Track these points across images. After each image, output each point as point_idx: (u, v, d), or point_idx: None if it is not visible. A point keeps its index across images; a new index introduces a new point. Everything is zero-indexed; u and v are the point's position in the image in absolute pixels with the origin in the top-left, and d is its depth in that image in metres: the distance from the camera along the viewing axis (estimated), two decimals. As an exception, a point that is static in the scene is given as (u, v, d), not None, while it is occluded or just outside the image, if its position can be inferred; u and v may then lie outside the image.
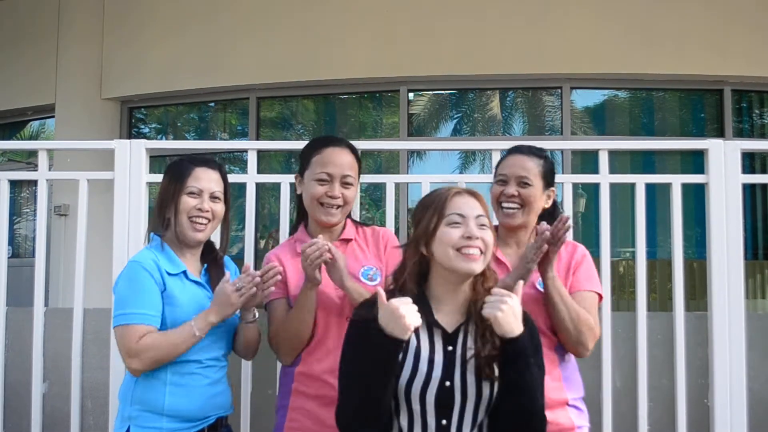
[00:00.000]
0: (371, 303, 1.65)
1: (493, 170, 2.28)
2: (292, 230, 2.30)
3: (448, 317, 1.69)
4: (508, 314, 1.58)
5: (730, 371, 2.57)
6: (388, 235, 2.20)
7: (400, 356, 1.62)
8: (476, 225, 1.66)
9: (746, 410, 2.56)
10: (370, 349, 1.58)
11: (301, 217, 2.24)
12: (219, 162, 2.15)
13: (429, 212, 1.69)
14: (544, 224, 2.00)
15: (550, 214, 2.16)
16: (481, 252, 1.66)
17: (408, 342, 1.63)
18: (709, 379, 2.61)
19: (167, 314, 1.96)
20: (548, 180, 2.17)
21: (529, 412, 1.60)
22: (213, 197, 2.07)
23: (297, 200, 2.24)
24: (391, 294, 1.64)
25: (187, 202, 2.04)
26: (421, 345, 1.66)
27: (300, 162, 2.21)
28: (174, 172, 2.08)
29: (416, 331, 1.65)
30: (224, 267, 2.14)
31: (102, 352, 2.66)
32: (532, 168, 2.13)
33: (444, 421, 1.61)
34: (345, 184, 2.11)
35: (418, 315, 1.57)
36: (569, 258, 2.14)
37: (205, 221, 2.05)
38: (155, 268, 1.97)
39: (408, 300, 1.58)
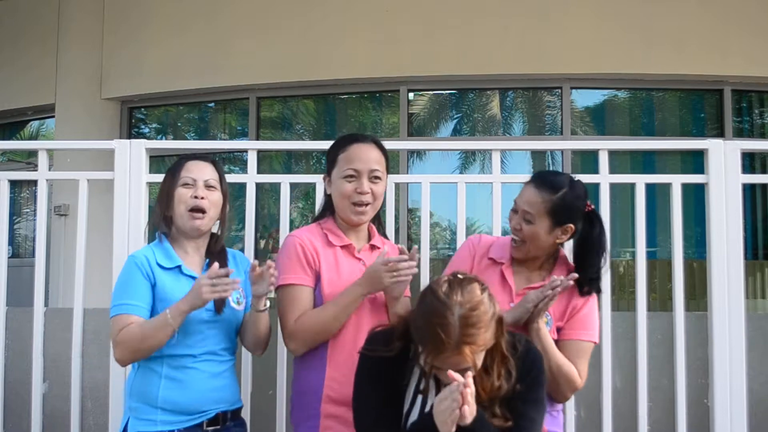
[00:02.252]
0: (385, 337, 1.71)
1: None
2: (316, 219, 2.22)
3: None
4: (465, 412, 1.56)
5: (730, 371, 2.57)
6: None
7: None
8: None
9: (746, 410, 2.56)
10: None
11: (327, 213, 2.19)
12: (213, 158, 2.17)
13: None
14: (555, 278, 1.94)
15: (583, 253, 2.08)
16: None
17: (419, 380, 1.70)
18: (709, 379, 2.62)
19: (158, 308, 1.98)
20: (558, 218, 2.01)
21: None
22: (208, 186, 2.08)
23: (326, 200, 2.20)
24: None
25: (182, 192, 2.06)
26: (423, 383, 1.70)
27: (327, 162, 2.18)
28: (170, 170, 2.13)
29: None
30: (226, 261, 2.12)
31: (102, 352, 2.66)
32: (536, 204, 2.01)
33: None
34: (373, 179, 2.08)
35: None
36: (569, 297, 2.05)
37: (201, 214, 2.05)
38: (145, 262, 2.00)
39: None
